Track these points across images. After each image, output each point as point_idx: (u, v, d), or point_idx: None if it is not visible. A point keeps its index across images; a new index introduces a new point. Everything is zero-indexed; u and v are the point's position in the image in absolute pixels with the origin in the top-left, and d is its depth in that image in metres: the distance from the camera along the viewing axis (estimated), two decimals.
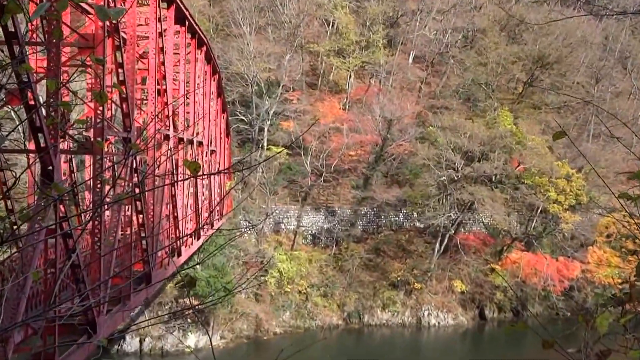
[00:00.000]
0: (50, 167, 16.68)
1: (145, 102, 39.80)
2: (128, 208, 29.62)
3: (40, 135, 16.30)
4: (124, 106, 24.46)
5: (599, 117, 71.91)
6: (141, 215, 27.44)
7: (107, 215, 29.34)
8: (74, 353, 18.84)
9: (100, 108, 22.01)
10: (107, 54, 23.48)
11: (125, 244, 28.54)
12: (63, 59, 28.16)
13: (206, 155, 46.71)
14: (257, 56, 64.60)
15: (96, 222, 21.67)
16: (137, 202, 27.22)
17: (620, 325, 4.60)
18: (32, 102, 15.46)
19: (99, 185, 22.66)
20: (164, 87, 32.17)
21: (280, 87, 65.84)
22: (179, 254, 37.12)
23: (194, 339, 52.41)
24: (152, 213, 30.34)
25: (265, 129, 65.06)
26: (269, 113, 64.64)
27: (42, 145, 16.39)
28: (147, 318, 50.53)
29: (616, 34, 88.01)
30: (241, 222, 60.20)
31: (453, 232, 63.83)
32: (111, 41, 23.86)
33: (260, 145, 64.90)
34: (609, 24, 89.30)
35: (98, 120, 22.18)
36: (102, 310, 21.54)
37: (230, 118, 61.57)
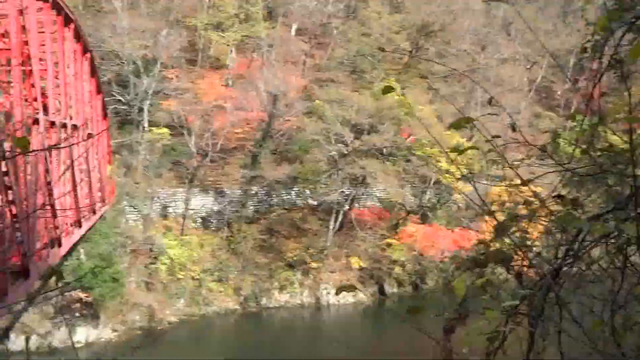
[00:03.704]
0: None
1: (12, 84, 36.84)
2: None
3: None
4: None
5: (481, 85, 71.49)
6: (13, 206, 25.29)
7: None
8: None
9: None
10: None
11: None
12: None
13: (82, 139, 44.02)
14: (131, 33, 61.22)
15: None
16: (8, 191, 24.93)
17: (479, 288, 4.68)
18: None
19: None
20: (29, 68, 29.96)
21: (158, 64, 62.59)
22: (60, 245, 34.82)
23: (84, 334, 50.00)
24: (26, 202, 28.13)
25: (145, 109, 61.80)
26: (147, 92, 61.42)
27: None
28: (30, 315, 48.05)
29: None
30: (125, 207, 57.51)
31: (347, 208, 62.49)
32: None
33: (141, 126, 61.74)
34: None
35: None
36: None
37: (107, 99, 58.44)
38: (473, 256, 5.02)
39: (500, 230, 4.77)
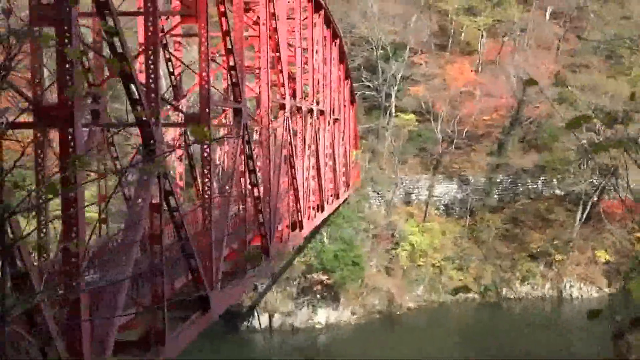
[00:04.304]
0: (152, 141, 15.58)
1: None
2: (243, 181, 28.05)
3: (139, 107, 15.33)
4: (233, 75, 23.38)
5: None
6: (256, 188, 26.09)
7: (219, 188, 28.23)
8: (187, 329, 18.66)
9: (206, 78, 20.57)
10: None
11: (239, 217, 27.02)
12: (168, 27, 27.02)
13: (328, 124, 44.89)
14: (381, 18, 61.89)
15: (206, 196, 20.87)
16: (252, 175, 25.78)
17: None
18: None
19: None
20: (277, 54, 30.69)
21: (407, 49, 62.81)
22: (301, 228, 35.77)
23: (324, 315, 51.20)
24: (269, 185, 29.03)
25: (393, 95, 62.17)
26: (395, 77, 61.74)
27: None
28: (274, 294, 49.77)
29: None
30: (369, 192, 58.24)
31: (596, 199, 59.83)
32: (218, 8, 22.31)
33: (388, 112, 62.24)
34: None
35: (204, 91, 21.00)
36: (215, 286, 20.77)
37: (355, 84, 59.45)
38: None
39: None
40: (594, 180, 59.02)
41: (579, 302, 57.25)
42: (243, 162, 25.37)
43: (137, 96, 15.21)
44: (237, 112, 24.05)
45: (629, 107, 57.87)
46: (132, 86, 15.02)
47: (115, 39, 14.22)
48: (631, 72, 64.75)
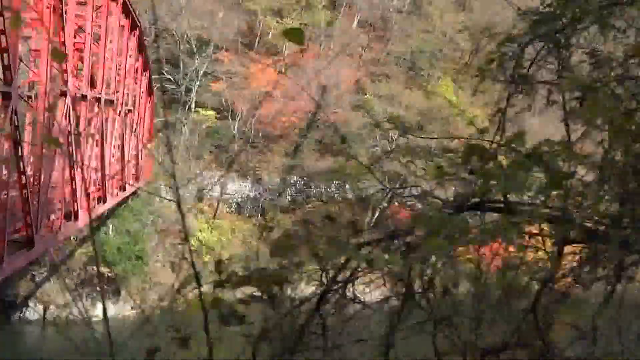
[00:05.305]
0: None
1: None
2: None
3: None
4: (4, 58, 22.31)
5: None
6: (24, 176, 25.23)
7: None
8: None
9: None
10: None
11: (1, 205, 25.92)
12: None
13: (118, 115, 44.11)
14: (187, 12, 61.26)
15: None
16: (19, 161, 24.86)
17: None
18: None
19: None
20: (62, 39, 29.87)
21: (212, 46, 62.49)
22: (76, 218, 34.86)
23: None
24: (40, 173, 28.22)
25: (194, 90, 61.72)
26: (198, 73, 61.37)
27: None
28: (52, 285, 48.30)
29: None
30: (161, 186, 57.56)
31: (386, 205, 61.63)
32: None
33: (188, 107, 61.70)
34: None
35: None
36: None
37: (156, 77, 58.60)
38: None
39: (277, 249, 4.00)
40: (384, 186, 60.88)
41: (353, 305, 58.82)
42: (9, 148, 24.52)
43: None
44: (6, 96, 23.26)
45: (421, 117, 60.13)
46: None
47: None
48: (428, 85, 67.22)
